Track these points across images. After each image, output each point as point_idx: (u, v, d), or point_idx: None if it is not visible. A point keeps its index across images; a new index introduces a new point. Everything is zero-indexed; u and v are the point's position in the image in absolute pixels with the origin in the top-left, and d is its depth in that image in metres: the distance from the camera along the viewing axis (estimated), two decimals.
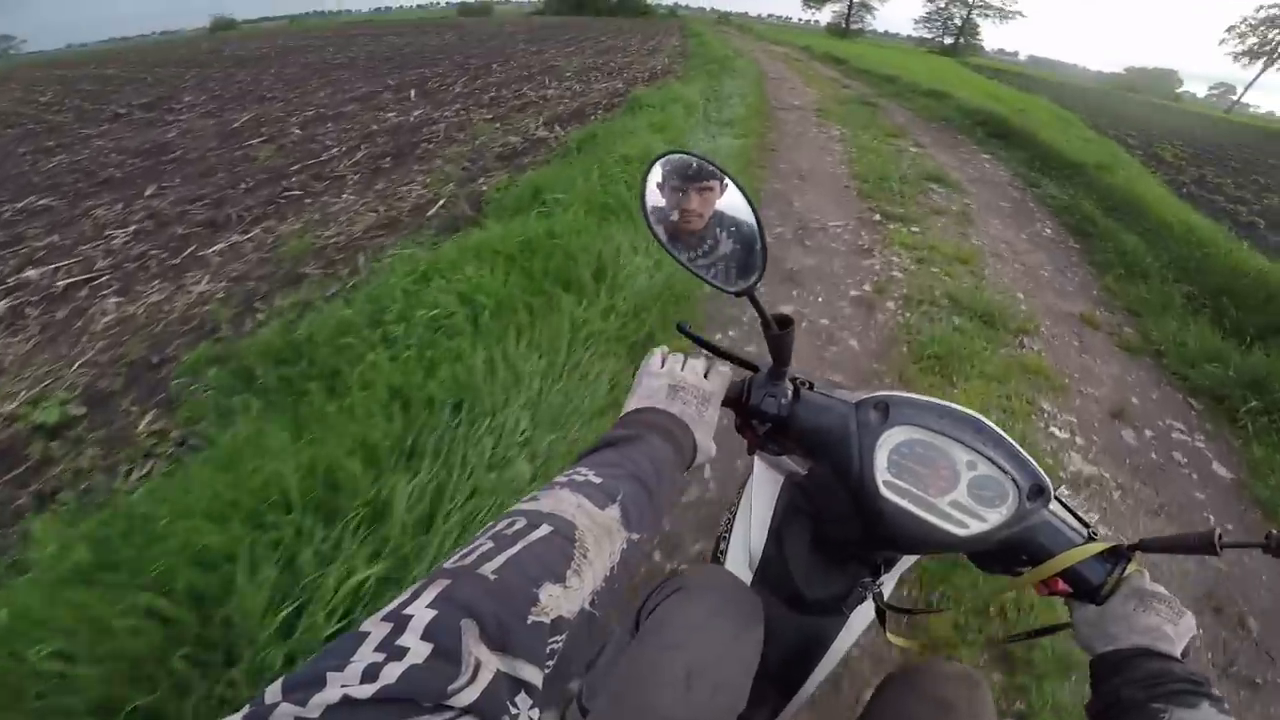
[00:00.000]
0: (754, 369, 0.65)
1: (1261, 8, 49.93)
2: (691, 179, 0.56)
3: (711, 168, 0.56)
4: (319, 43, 23.96)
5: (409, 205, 4.41)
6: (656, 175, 0.57)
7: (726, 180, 0.56)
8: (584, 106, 7.99)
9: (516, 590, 0.32)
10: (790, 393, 0.62)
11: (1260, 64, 51.15)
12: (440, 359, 2.19)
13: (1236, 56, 52.17)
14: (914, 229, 4.11)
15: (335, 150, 6.05)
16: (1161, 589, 0.54)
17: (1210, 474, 2.43)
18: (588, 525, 0.38)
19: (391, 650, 0.26)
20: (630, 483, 0.44)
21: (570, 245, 2.87)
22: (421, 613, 0.29)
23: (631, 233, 3.23)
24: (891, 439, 0.56)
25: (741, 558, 0.80)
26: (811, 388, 0.63)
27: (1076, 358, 3.08)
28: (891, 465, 0.56)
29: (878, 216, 4.25)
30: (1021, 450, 0.56)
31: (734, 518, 0.86)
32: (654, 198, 0.57)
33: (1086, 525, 0.57)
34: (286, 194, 4.99)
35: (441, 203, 4.34)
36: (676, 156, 0.57)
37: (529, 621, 0.31)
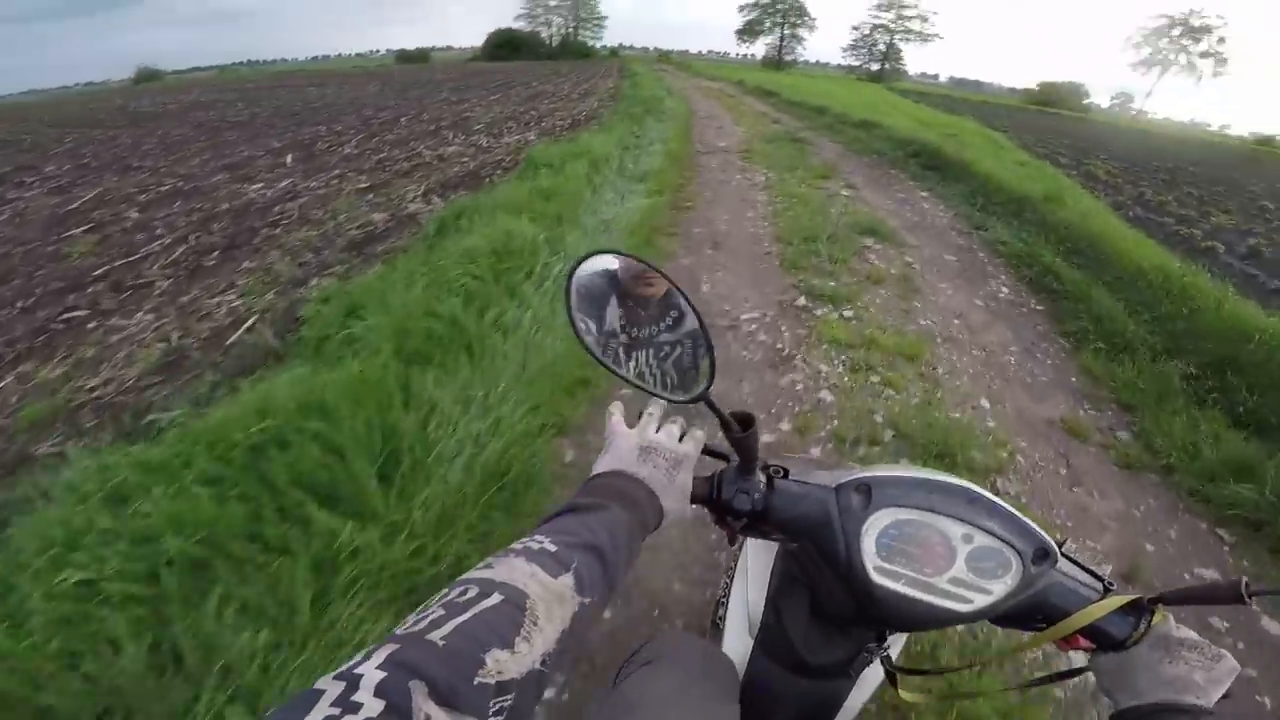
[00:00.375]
0: (724, 458, 0.62)
1: (1152, 17, 53.96)
2: (621, 281, 0.53)
3: (641, 266, 0.54)
4: (233, 96, 22.91)
5: (209, 328, 3.40)
6: (582, 280, 0.52)
7: (658, 278, 0.54)
8: (483, 166, 7.15)
9: (465, 655, 0.33)
10: (763, 484, 0.58)
11: (1155, 72, 54.95)
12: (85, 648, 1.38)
13: (1135, 66, 55.99)
14: (847, 313, 3.31)
15: (161, 242, 5.00)
16: (1191, 634, 0.51)
17: (1261, 636, 1.76)
18: (539, 593, 0.39)
19: (346, 705, 0.28)
20: (586, 552, 0.44)
21: (346, 427, 1.90)
22: (371, 673, 0.30)
23: (460, 380, 2.32)
24: (878, 523, 0.53)
25: (741, 624, 0.80)
26: (786, 475, 0.58)
27: (1067, 494, 2.29)
28: (881, 549, 0.53)
29: (802, 300, 3.43)
30: (1020, 515, 0.53)
31: (731, 583, 0.86)
32: (582, 306, 0.52)
33: (1101, 579, 0.55)
34: (70, 314, 3.92)
35: (249, 324, 3.34)
36: (601, 258, 0.53)
37: (475, 683, 0.32)
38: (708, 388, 0.52)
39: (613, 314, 0.53)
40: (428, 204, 5.54)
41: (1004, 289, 3.92)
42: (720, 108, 14.71)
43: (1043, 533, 0.53)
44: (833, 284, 3.67)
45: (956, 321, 3.41)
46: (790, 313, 3.27)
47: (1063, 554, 0.54)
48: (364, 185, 6.57)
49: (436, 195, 5.91)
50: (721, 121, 11.74)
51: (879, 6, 58.99)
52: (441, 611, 0.35)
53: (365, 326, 2.67)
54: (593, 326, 0.53)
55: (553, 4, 59.49)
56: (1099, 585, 0.55)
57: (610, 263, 0.54)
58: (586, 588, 0.42)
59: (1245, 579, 0.48)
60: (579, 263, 0.52)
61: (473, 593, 0.37)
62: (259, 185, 7.13)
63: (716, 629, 0.85)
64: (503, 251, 3.42)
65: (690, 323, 0.54)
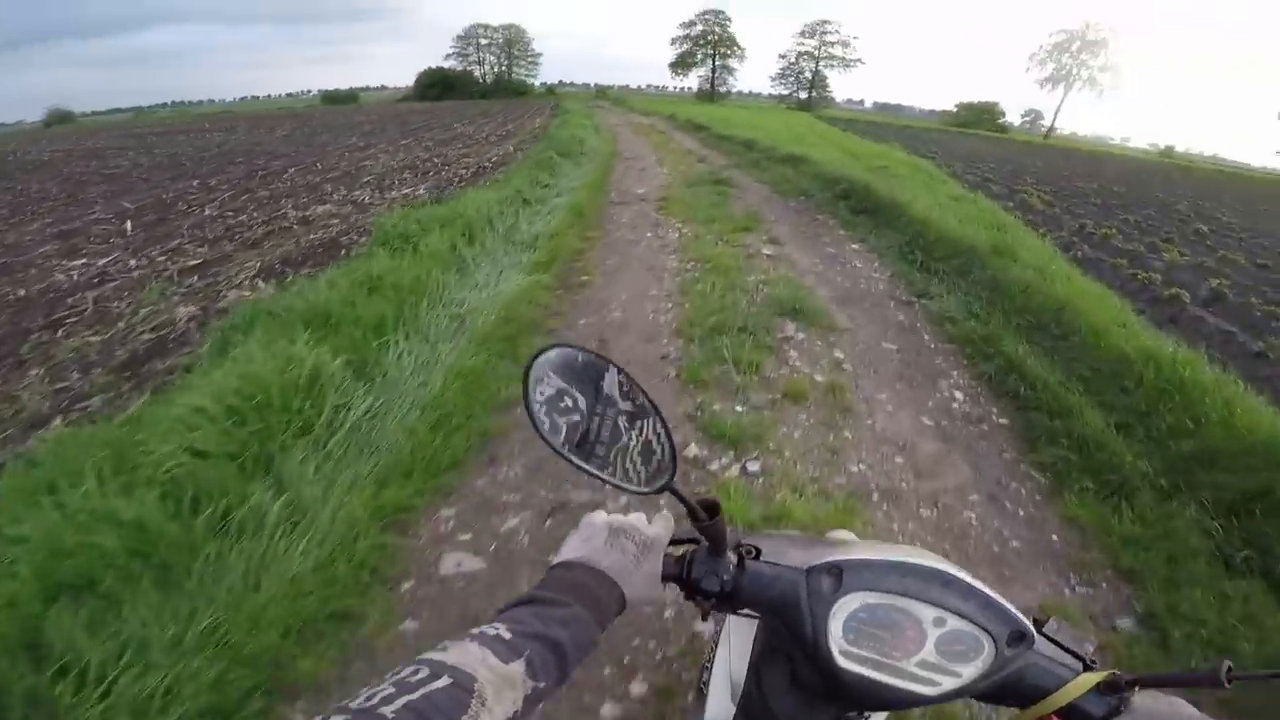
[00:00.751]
0: (695, 541, 0.61)
1: (1052, 34, 56.63)
2: (578, 376, 0.53)
3: (599, 360, 0.54)
4: (131, 143, 21.12)
5: None
6: (539, 375, 0.51)
7: (613, 370, 0.54)
8: (349, 231, 6.07)
9: None
10: (734, 564, 0.57)
11: (1061, 89, 57.53)
12: None
13: (1042, 84, 58.49)
14: (752, 465, 2.38)
15: None
16: (1176, 700, 0.51)
17: None
18: (489, 678, 0.40)
19: None
20: (538, 641, 0.45)
21: None
22: None
23: (136, 619, 1.39)
24: (846, 606, 0.52)
25: (724, 691, 0.81)
26: (758, 555, 0.57)
27: None
28: (848, 632, 0.52)
29: (694, 446, 2.49)
30: (996, 598, 0.52)
31: (715, 650, 0.87)
32: (540, 402, 0.51)
33: (1080, 657, 0.53)
34: None
35: None
36: (556, 352, 0.52)
37: None
38: (671, 477, 0.53)
39: (572, 408, 0.52)
40: (252, 290, 4.42)
41: (958, 393, 3.08)
42: (647, 146, 14.07)
43: (1019, 615, 0.52)
44: (740, 409, 2.74)
45: (899, 460, 2.52)
46: (679, 472, 2.32)
47: (1043, 634, 0.53)
48: (195, 263, 5.39)
49: (274, 276, 4.80)
50: (645, 163, 11.01)
51: (802, 33, 60.01)
52: (392, 689, 0.36)
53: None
54: (554, 421, 0.52)
55: (484, 42, 58.41)
56: (1078, 664, 0.53)
57: (569, 356, 0.53)
58: (539, 673, 0.43)
59: (1228, 663, 0.47)
60: (535, 357, 0.52)
61: (424, 673, 0.38)
62: (80, 261, 5.87)
63: (701, 695, 0.86)
64: (263, 402, 2.36)
65: (648, 414, 0.54)
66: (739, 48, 59.95)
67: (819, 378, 3.09)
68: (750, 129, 16.43)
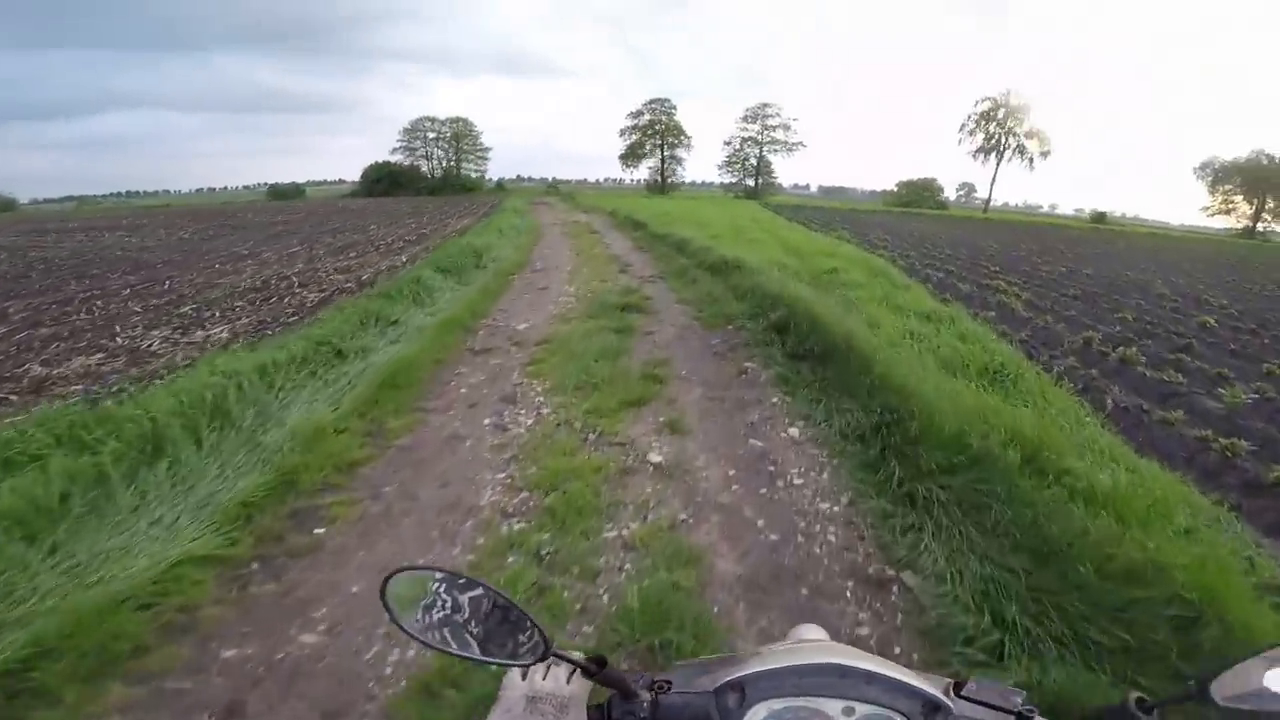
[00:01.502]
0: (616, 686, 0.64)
1: (978, 103, 57.42)
2: (431, 585, 0.59)
3: (441, 570, 0.59)
4: (22, 240, 18.83)
5: None
6: (395, 596, 0.57)
7: (454, 573, 0.59)
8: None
9: None
10: (648, 701, 0.59)
11: (994, 159, 57.40)
12: None
13: (974, 155, 58.38)
14: None
15: None
16: None
17: None
18: None
19: None
20: None
21: None
22: None
23: None
24: (755, 717, 0.54)
25: None
26: (669, 687, 0.59)
27: None
28: None
29: None
30: (903, 675, 0.53)
31: None
32: (403, 615, 0.57)
33: (1011, 710, 0.53)
34: None
35: None
36: (404, 575, 0.58)
37: None
38: (549, 643, 0.57)
39: (432, 611, 0.58)
40: None
41: None
42: (569, 252, 12.45)
43: (928, 689, 0.53)
44: None
45: None
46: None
47: (961, 696, 0.54)
48: None
49: None
50: (553, 278, 9.20)
51: (745, 118, 59.62)
52: None
53: None
54: (421, 627, 0.57)
55: (432, 136, 57.07)
56: (1010, 717, 0.53)
57: (416, 574, 0.59)
58: None
59: (1135, 694, 0.52)
60: (385, 582, 0.56)
61: None
62: None
63: None
64: None
65: (503, 601, 0.58)
66: (686, 136, 59.92)
67: None
68: (690, 224, 15.16)
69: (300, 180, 67.49)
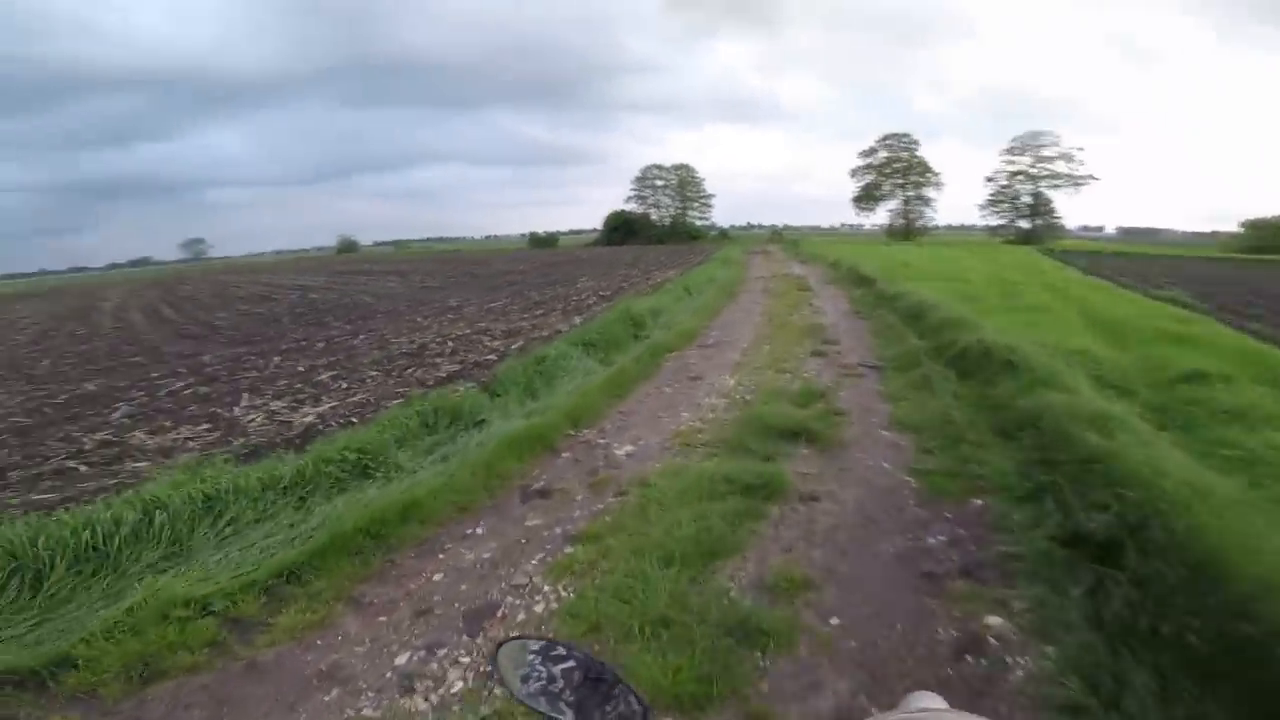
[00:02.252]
0: None
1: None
2: (541, 656, 0.63)
3: (551, 641, 0.66)
4: (321, 280, 23.47)
5: None
6: (508, 671, 0.62)
7: (566, 645, 0.66)
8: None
9: None
10: None
11: None
12: None
13: None
14: None
15: None
16: None
17: None
18: None
19: None
20: None
21: None
22: None
23: None
24: None
25: None
26: None
27: None
28: None
29: None
30: None
31: None
32: (524, 690, 0.61)
33: None
34: None
35: None
36: (511, 645, 0.64)
37: None
38: (646, 703, 0.58)
39: (548, 681, 0.61)
40: None
41: None
42: (759, 316, 10.17)
43: None
44: None
45: None
46: None
47: None
48: None
49: None
50: (714, 361, 7.00)
51: (1011, 150, 49.33)
52: None
53: None
54: (541, 692, 0.60)
55: (660, 184, 58.25)
56: None
57: (515, 647, 0.65)
58: None
59: None
60: (497, 650, 0.64)
61: None
62: None
63: None
64: None
65: (609, 675, 0.61)
66: (933, 173, 52.15)
67: None
68: (939, 278, 11.80)
69: (562, 228, 75.29)
